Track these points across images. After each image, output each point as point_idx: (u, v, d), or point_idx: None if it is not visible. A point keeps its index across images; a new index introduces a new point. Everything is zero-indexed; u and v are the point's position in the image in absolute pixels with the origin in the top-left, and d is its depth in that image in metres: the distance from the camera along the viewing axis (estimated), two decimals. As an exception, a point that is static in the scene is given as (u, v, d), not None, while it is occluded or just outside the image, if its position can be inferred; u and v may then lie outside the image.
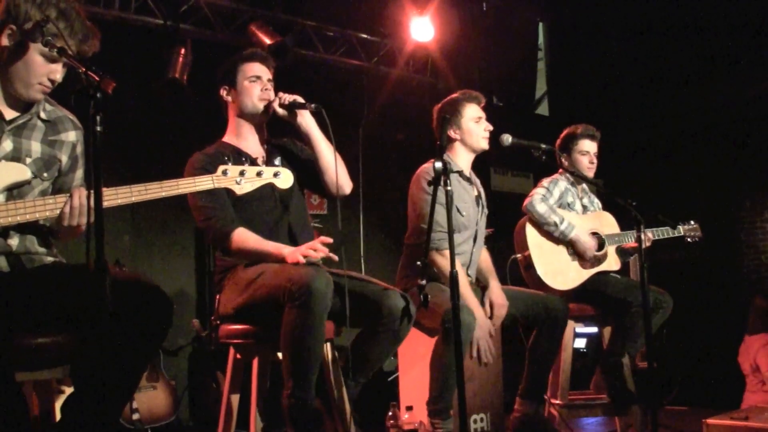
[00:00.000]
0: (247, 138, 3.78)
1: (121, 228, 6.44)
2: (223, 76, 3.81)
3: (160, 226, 6.74)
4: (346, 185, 3.76)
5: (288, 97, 3.67)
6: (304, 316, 3.17)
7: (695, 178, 8.62)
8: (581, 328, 6.33)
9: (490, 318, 4.24)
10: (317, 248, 3.36)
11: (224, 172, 2.97)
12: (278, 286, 3.26)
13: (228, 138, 3.82)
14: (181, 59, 6.48)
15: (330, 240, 3.41)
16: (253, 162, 3.69)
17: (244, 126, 3.79)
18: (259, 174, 3.02)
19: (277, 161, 3.78)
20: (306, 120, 3.70)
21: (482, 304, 4.28)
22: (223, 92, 3.81)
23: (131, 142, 6.27)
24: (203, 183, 2.94)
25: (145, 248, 6.69)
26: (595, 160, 5.17)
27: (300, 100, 3.68)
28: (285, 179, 3.10)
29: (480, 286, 4.48)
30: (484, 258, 4.60)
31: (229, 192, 3.46)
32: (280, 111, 3.69)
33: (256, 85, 3.74)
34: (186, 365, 6.61)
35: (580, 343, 7.06)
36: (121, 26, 6.51)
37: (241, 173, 2.98)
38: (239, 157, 3.68)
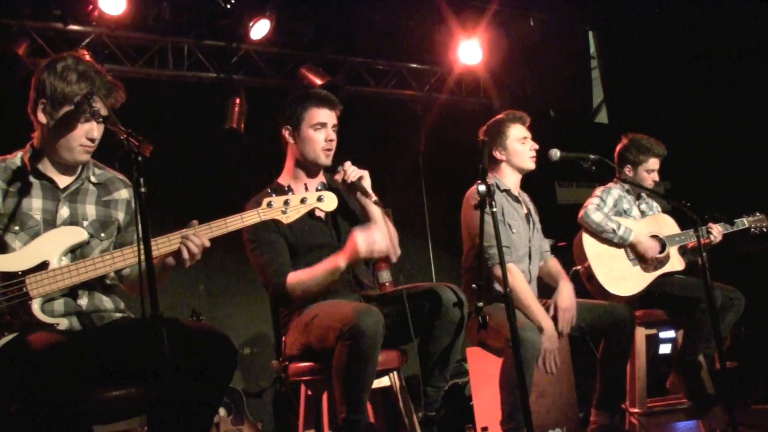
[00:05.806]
0: (302, 181, 3.77)
1: (195, 278, 6.63)
2: (287, 116, 3.75)
3: (232, 272, 6.88)
4: (394, 256, 3.69)
5: (353, 175, 3.61)
6: (355, 353, 3.20)
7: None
8: (665, 334, 6.23)
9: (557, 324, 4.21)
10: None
11: (269, 204, 3.00)
12: (329, 327, 3.30)
13: (283, 179, 3.83)
14: (236, 109, 6.71)
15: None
16: None
17: (301, 171, 3.79)
18: (302, 201, 3.04)
19: None
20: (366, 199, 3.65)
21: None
22: (285, 132, 3.76)
23: (195, 194, 6.45)
24: (250, 217, 2.98)
25: (220, 296, 6.86)
26: (657, 178, 5.14)
27: (366, 181, 3.61)
28: (329, 202, 3.11)
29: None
30: (552, 264, 4.61)
31: (286, 238, 3.58)
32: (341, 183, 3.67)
33: (321, 133, 3.69)
34: (270, 406, 6.71)
35: (666, 349, 6.93)
36: (176, 83, 6.77)
37: (285, 203, 3.01)
38: None
